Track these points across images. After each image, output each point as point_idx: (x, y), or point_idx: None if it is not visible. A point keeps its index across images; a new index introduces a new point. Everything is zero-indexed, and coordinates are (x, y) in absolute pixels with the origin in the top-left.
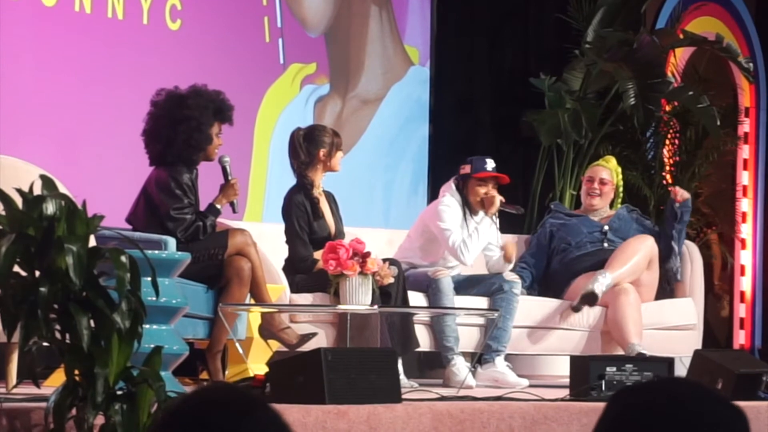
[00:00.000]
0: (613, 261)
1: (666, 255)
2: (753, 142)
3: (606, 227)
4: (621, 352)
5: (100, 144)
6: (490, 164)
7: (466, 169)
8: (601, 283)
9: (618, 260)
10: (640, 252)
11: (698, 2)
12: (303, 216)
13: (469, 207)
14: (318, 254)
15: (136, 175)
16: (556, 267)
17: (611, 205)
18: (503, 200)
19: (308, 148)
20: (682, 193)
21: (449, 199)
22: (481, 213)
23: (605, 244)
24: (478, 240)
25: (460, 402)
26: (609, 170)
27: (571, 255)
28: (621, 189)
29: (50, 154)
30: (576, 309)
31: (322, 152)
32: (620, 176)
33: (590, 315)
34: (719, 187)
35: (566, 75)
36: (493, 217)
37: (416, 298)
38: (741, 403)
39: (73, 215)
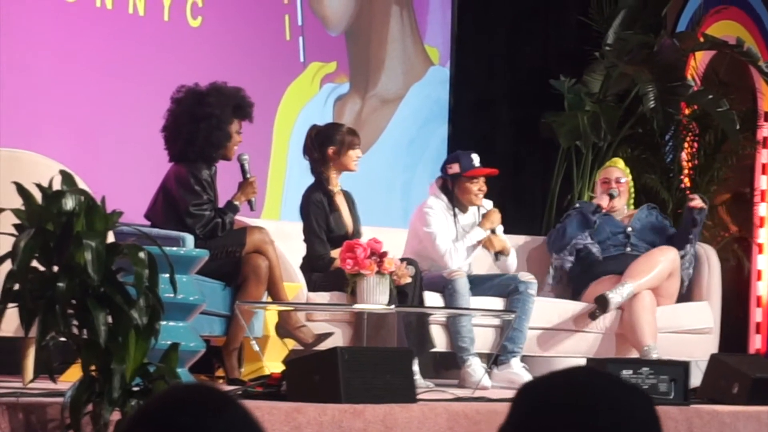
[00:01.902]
0: (634, 271)
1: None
2: None
3: (629, 228)
4: (636, 355)
5: (120, 140)
6: (476, 159)
7: (455, 168)
8: (620, 292)
9: (639, 270)
10: (661, 264)
11: (719, 6)
12: (321, 214)
13: (458, 206)
14: (335, 253)
15: (155, 171)
16: (577, 269)
17: (628, 205)
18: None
19: (319, 145)
20: (698, 202)
21: (433, 200)
22: (470, 210)
23: (628, 249)
24: (467, 244)
25: (476, 403)
26: (621, 170)
27: (593, 258)
28: (632, 188)
29: (70, 150)
30: (593, 316)
31: (331, 150)
32: (630, 176)
33: (606, 317)
34: (737, 190)
35: (586, 77)
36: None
37: (432, 299)
38: (757, 408)
39: (92, 211)
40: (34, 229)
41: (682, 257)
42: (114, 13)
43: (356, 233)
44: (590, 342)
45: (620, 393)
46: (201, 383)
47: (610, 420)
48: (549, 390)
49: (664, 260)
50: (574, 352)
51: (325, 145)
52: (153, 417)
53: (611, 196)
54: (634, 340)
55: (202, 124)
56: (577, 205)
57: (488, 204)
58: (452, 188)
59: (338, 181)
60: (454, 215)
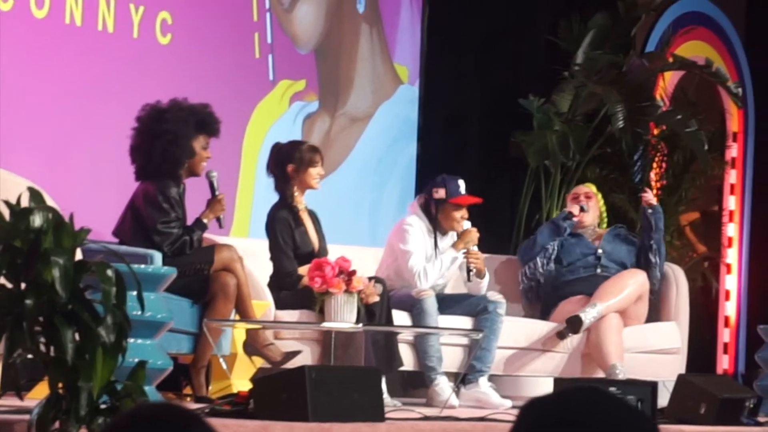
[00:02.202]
0: (603, 292)
1: (645, 267)
2: (740, 166)
3: (600, 251)
4: (602, 375)
5: (88, 157)
6: (462, 186)
7: (440, 193)
8: (589, 313)
9: (608, 292)
10: (630, 286)
11: (688, 26)
12: (287, 231)
13: (438, 229)
14: (302, 270)
15: (123, 188)
16: (545, 289)
17: (599, 224)
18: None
19: (280, 163)
20: (648, 196)
21: (414, 219)
22: (449, 235)
23: (598, 270)
24: (441, 266)
25: (444, 422)
26: (589, 188)
27: (563, 278)
28: (604, 210)
29: (38, 167)
30: (561, 336)
31: (291, 167)
32: (600, 196)
33: (573, 337)
34: (706, 210)
35: (555, 96)
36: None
37: (400, 317)
38: (724, 428)
39: (60, 228)
40: (1, 246)
41: (651, 268)
42: (83, 30)
43: (322, 250)
44: (557, 362)
45: (626, 416)
46: (167, 402)
47: None
48: (554, 407)
49: (633, 283)
50: (541, 371)
51: (284, 163)
52: None
53: (581, 209)
54: (600, 360)
55: (158, 141)
56: (542, 227)
57: (466, 224)
58: (435, 212)
59: (303, 199)
60: (435, 236)
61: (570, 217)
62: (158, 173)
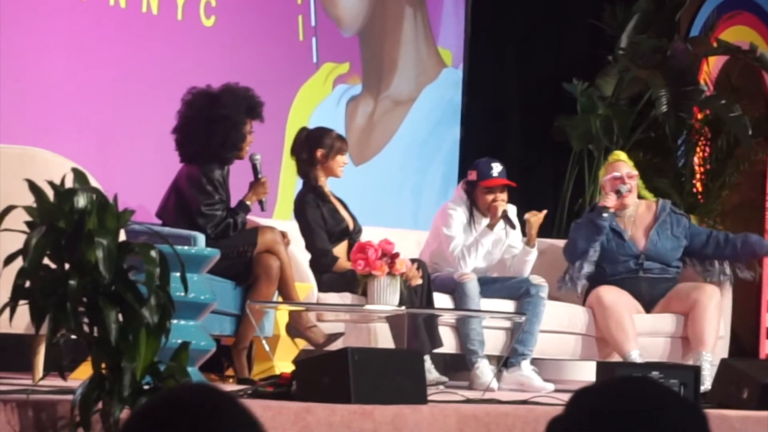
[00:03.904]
0: (700, 338)
1: (712, 257)
2: None
3: (643, 257)
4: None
5: (132, 138)
6: (496, 169)
7: (473, 175)
8: (706, 368)
9: (703, 334)
10: (715, 319)
11: (732, 11)
12: (316, 212)
13: (476, 212)
14: (337, 250)
15: (166, 170)
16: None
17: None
18: (506, 210)
19: (308, 147)
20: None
21: (456, 203)
22: (488, 218)
23: (639, 273)
24: (482, 249)
25: (486, 405)
26: (627, 163)
27: (602, 279)
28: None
29: (82, 148)
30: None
31: (320, 152)
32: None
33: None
34: (749, 196)
35: (599, 81)
36: (510, 220)
37: (442, 300)
38: (766, 413)
39: (103, 209)
40: (45, 227)
41: (710, 270)
42: (127, 12)
43: (358, 230)
44: (599, 346)
45: (674, 405)
46: (200, 383)
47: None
48: (603, 397)
49: (715, 308)
50: (585, 355)
51: (314, 147)
52: (152, 420)
53: (619, 193)
54: (697, 342)
55: (217, 125)
56: (580, 220)
57: (512, 209)
58: (471, 194)
59: (327, 183)
60: (472, 219)
61: (607, 211)
62: (213, 158)
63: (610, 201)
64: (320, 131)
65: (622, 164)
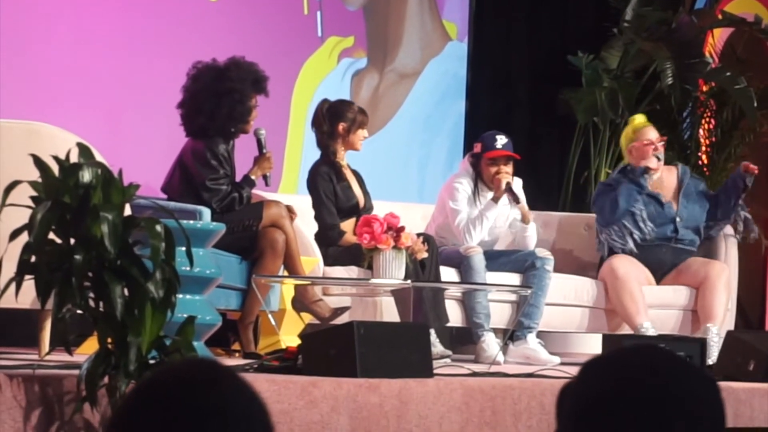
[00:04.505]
0: (708, 312)
1: (722, 218)
2: None
3: (678, 219)
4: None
5: (137, 113)
6: (501, 141)
7: (478, 147)
8: (714, 341)
9: (711, 308)
10: (723, 293)
11: None
12: (328, 185)
13: (481, 185)
14: (345, 225)
15: (171, 145)
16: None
17: None
18: (510, 182)
19: (330, 119)
20: (753, 166)
21: (462, 175)
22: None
23: (672, 243)
24: (486, 222)
25: (492, 378)
26: (653, 127)
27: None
28: None
29: (87, 123)
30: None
31: (342, 126)
32: None
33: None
34: None
35: (604, 53)
36: (515, 193)
37: (448, 274)
38: None
39: (109, 184)
40: (51, 202)
41: (735, 222)
42: None
43: (368, 207)
44: (606, 318)
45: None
46: (198, 358)
47: (676, 405)
48: (614, 366)
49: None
50: (589, 328)
51: (336, 120)
52: (152, 394)
53: (658, 158)
54: (705, 316)
55: (224, 99)
56: (614, 176)
57: (517, 182)
58: (476, 167)
59: (345, 156)
60: (477, 191)
61: (647, 172)
62: (219, 131)
63: (653, 162)
64: (342, 104)
65: (651, 129)
